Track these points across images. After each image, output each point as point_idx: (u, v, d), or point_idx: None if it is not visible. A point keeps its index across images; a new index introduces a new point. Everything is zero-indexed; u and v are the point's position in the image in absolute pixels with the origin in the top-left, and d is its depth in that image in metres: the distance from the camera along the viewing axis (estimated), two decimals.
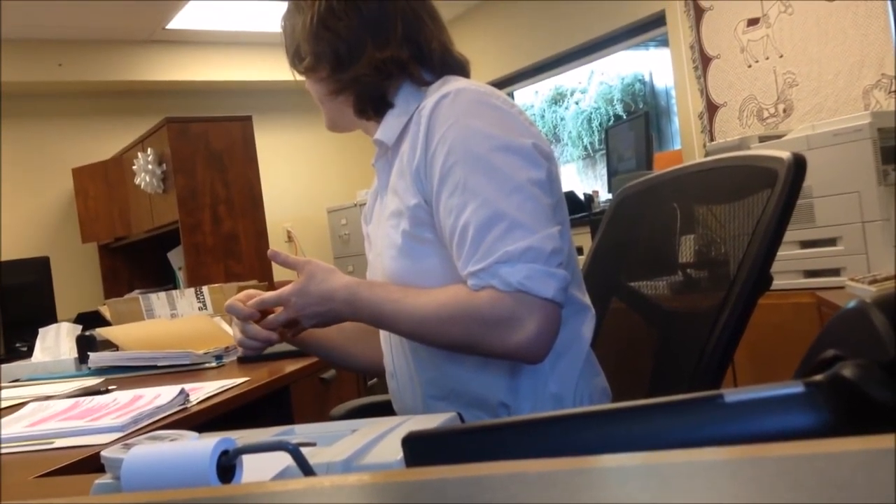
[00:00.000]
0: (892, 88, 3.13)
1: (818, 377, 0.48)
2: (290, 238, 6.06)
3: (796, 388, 0.48)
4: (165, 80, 5.41)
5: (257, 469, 0.62)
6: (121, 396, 1.56)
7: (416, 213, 1.15)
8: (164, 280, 5.00)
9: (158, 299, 2.67)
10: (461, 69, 1.28)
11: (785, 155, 1.11)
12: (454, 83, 1.18)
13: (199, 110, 5.49)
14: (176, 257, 4.62)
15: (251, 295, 1.27)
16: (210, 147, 4.36)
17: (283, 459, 0.62)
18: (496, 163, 1.09)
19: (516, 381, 1.16)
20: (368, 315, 1.16)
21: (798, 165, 1.09)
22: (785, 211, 1.08)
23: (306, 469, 0.57)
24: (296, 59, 1.31)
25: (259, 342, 1.25)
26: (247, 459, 0.60)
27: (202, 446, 0.56)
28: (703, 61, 3.92)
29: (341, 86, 1.26)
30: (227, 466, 0.57)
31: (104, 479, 0.66)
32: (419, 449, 0.47)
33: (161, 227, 4.56)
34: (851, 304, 0.51)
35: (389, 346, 1.30)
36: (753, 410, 0.48)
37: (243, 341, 1.27)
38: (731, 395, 0.49)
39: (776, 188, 1.09)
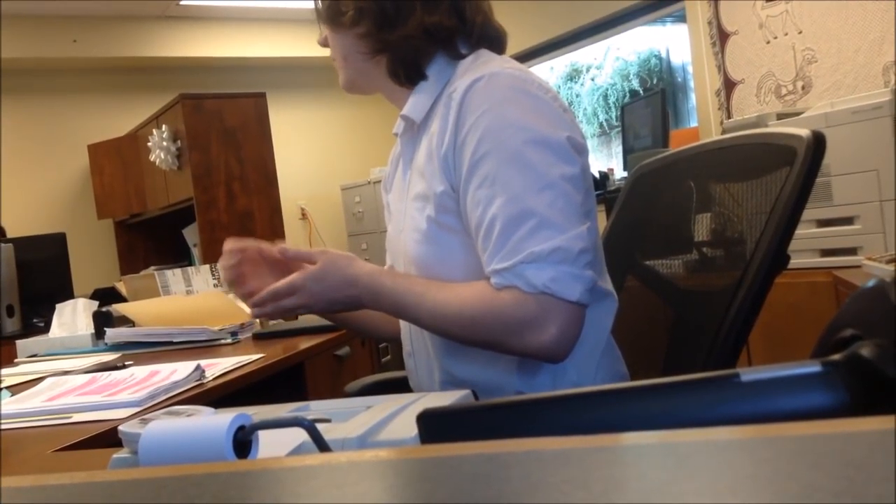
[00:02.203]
0: None
1: (836, 356, 0.48)
2: (304, 215, 6.07)
3: (814, 367, 0.48)
4: (180, 57, 5.41)
5: (273, 444, 0.63)
6: (137, 372, 1.57)
7: (442, 200, 1.12)
8: (179, 256, 5.03)
9: (174, 276, 2.68)
10: (498, 42, 1.25)
11: (804, 132, 1.09)
12: (489, 64, 1.15)
13: (214, 86, 5.49)
14: (191, 234, 4.63)
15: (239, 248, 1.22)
16: (224, 124, 4.36)
17: (299, 435, 0.62)
18: (529, 157, 1.05)
19: (534, 370, 1.15)
20: (390, 304, 1.14)
21: (818, 143, 1.07)
22: (804, 189, 1.06)
23: (322, 445, 0.57)
24: (332, 12, 1.23)
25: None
26: (263, 435, 0.61)
27: (219, 421, 0.56)
28: (721, 37, 3.88)
29: (381, 46, 1.20)
30: (243, 442, 0.58)
31: (122, 454, 0.67)
32: (434, 425, 0.47)
33: (176, 203, 4.58)
34: (870, 282, 0.51)
35: (408, 327, 1.28)
36: (770, 390, 0.48)
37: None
38: (748, 374, 0.48)
39: (795, 166, 1.07)
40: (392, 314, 1.19)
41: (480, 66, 1.15)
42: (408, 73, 1.21)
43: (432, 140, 1.15)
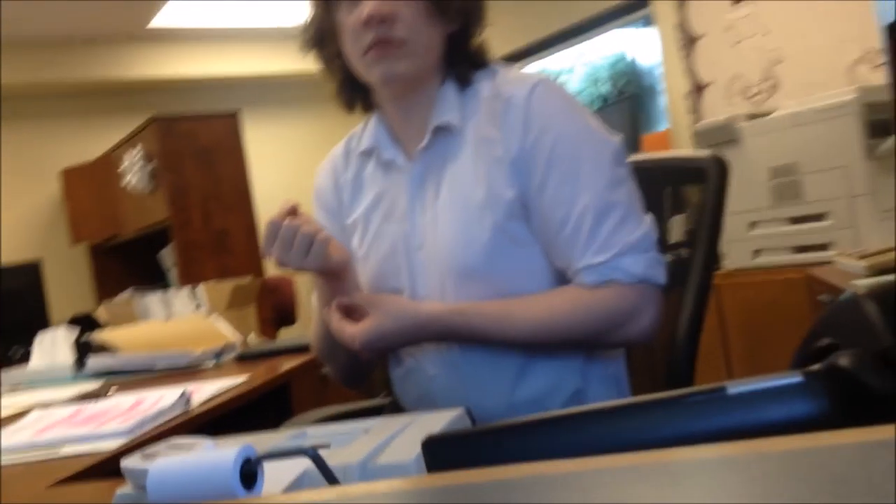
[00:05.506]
0: (878, 62, 3.15)
1: (815, 367, 0.50)
2: None
3: (795, 378, 0.50)
4: (151, 77, 5.38)
5: (276, 471, 0.64)
6: (123, 401, 1.57)
7: (512, 207, 1.13)
8: (156, 279, 4.99)
9: (154, 299, 2.68)
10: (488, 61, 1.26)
11: (707, 154, 1.34)
12: (519, 72, 1.19)
13: (187, 105, 5.46)
14: (167, 256, 4.61)
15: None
16: (198, 144, 4.34)
17: (301, 463, 0.64)
18: (603, 157, 1.11)
19: (590, 365, 1.18)
20: (466, 338, 1.13)
21: (721, 164, 1.30)
22: (720, 201, 1.28)
23: (328, 475, 0.59)
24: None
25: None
26: (265, 463, 0.62)
27: (225, 456, 0.57)
28: (689, 41, 3.93)
29: (456, 47, 1.22)
30: (249, 473, 0.59)
31: (126, 489, 0.68)
32: (438, 451, 0.49)
33: (152, 225, 4.55)
34: (845, 295, 0.53)
35: (438, 353, 1.20)
36: (755, 401, 0.50)
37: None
38: (734, 386, 0.51)
39: (709, 183, 1.28)
40: (468, 342, 1.16)
41: (514, 73, 1.19)
42: (467, 77, 1.20)
43: (485, 146, 1.15)
